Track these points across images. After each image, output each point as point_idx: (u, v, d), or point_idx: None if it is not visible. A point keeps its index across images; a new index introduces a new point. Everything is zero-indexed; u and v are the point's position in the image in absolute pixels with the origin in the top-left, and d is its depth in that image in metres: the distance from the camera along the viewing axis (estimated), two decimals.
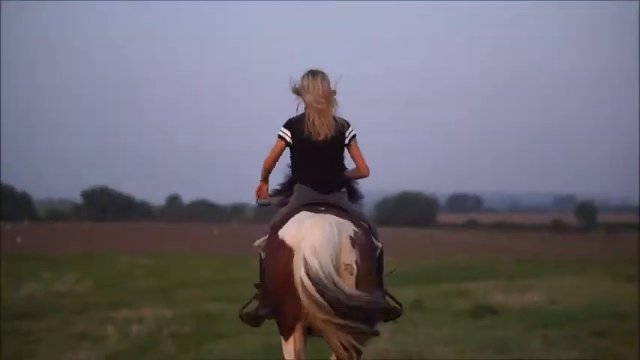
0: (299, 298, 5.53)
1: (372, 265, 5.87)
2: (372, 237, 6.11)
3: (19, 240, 42.15)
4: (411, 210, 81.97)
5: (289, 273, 5.60)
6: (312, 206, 6.13)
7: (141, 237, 50.15)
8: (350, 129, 6.39)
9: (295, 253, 5.65)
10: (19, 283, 19.80)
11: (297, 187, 6.47)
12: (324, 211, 6.04)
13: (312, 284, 5.43)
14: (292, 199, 6.44)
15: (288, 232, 5.81)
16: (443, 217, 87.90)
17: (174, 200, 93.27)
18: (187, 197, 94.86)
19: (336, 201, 6.30)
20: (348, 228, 5.82)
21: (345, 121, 6.39)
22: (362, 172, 6.56)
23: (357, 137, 6.41)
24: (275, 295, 5.77)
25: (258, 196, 6.67)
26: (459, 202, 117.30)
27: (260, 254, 6.20)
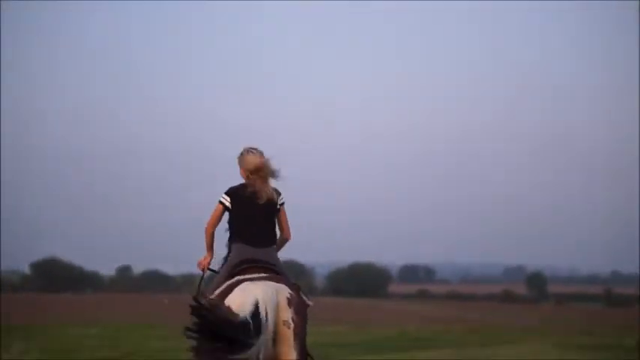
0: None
1: (304, 320, 6.91)
2: (303, 296, 7.13)
3: None
4: (362, 280, 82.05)
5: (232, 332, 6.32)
6: (251, 269, 7.04)
7: (91, 307, 49.67)
8: (281, 196, 7.48)
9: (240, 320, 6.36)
10: None
11: (234, 245, 7.32)
12: (264, 278, 6.90)
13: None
14: (231, 256, 7.32)
15: (234, 302, 6.60)
16: (394, 287, 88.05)
17: (124, 270, 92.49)
18: (138, 267, 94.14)
19: (268, 257, 7.23)
20: (285, 290, 6.81)
21: (277, 190, 7.44)
22: (286, 236, 7.59)
23: (285, 205, 7.50)
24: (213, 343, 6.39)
25: (202, 268, 7.56)
26: (411, 272, 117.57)
27: (203, 300, 6.56)
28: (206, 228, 7.48)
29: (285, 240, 7.62)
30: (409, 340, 26.76)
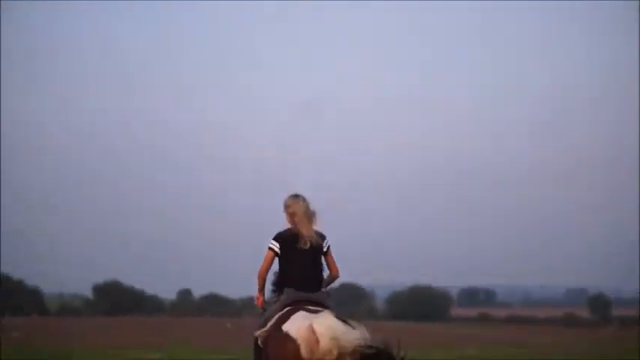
0: None
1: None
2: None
3: (15, 334, 41.09)
4: (422, 303, 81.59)
5: (296, 357, 7.08)
6: (302, 304, 7.64)
7: (152, 331, 49.99)
8: (326, 240, 8.15)
9: (300, 343, 7.13)
10: None
11: (285, 289, 7.91)
12: (317, 311, 7.44)
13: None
14: (282, 297, 7.89)
15: (292, 327, 7.27)
16: (455, 311, 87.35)
17: (185, 294, 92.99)
18: (198, 291, 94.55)
19: (320, 299, 7.84)
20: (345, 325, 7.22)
21: (322, 234, 8.10)
22: (334, 274, 8.20)
23: (331, 247, 8.16)
24: None
25: (260, 304, 8.23)
26: (471, 295, 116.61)
27: (257, 342, 7.65)
28: (259, 273, 8.13)
29: (334, 278, 8.27)
30: None
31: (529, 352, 33.99)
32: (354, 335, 7.14)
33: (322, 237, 8.10)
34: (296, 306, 7.63)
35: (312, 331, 7.15)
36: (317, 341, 7.10)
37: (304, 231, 7.97)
